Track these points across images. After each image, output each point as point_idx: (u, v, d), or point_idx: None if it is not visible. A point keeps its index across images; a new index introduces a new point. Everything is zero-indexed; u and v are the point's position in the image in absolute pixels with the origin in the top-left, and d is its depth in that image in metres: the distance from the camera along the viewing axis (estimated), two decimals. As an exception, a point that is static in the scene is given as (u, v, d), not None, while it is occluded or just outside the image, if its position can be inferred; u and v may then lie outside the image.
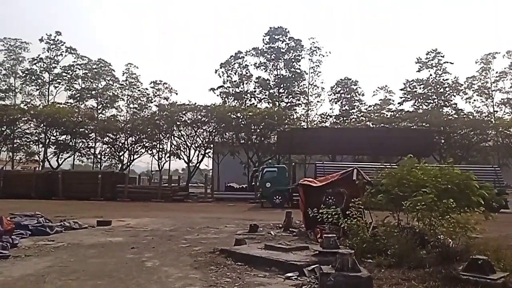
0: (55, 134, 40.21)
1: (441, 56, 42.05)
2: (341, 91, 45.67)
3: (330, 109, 47.09)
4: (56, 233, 11.27)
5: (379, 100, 46.36)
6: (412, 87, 42.62)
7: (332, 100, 45.92)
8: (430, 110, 40.22)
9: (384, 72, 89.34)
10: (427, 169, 8.18)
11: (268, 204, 25.45)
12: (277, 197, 25.35)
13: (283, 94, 44.11)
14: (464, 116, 38.69)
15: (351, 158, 34.96)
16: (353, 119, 43.38)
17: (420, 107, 42.24)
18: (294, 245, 8.51)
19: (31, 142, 40.38)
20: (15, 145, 40.16)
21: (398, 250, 6.97)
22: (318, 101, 45.47)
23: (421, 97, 42.23)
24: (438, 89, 41.96)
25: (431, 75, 42.42)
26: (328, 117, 45.01)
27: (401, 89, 43.01)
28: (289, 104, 44.05)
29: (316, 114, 45.63)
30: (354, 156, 35.04)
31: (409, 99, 42.70)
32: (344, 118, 43.98)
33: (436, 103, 42.01)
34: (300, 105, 45.08)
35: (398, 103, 43.59)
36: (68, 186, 30.58)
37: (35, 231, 10.86)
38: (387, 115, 41.80)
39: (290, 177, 28.39)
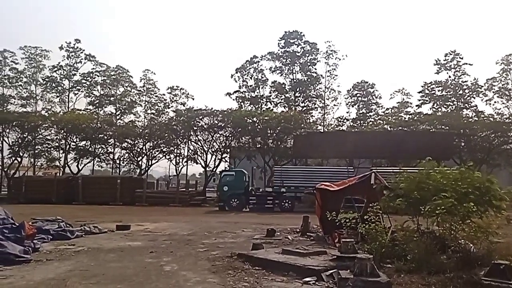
0: (75, 140, 40.93)
1: (460, 58, 41.32)
2: (358, 94, 45.24)
3: (347, 112, 46.61)
4: (77, 238, 11.46)
5: (397, 103, 45.73)
6: (430, 89, 41.95)
7: (349, 103, 45.50)
8: (449, 113, 39.51)
9: (401, 74, 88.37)
10: (447, 172, 8.05)
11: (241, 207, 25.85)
12: (234, 200, 26.03)
13: (299, 98, 43.99)
14: (485, 118, 37.88)
15: (369, 161, 34.61)
16: (370, 122, 42.90)
17: (439, 109, 41.52)
18: (312, 250, 8.47)
19: (52, 148, 41.12)
20: (36, 151, 40.93)
21: (418, 255, 6.87)
22: (334, 105, 45.17)
23: (440, 100, 41.51)
24: (457, 91, 41.22)
25: (449, 77, 41.73)
26: (345, 120, 44.63)
27: (419, 92, 42.40)
28: (305, 108, 43.89)
29: (333, 117, 45.31)
30: (372, 160, 34.68)
31: (427, 102, 42.06)
32: (361, 122, 43.55)
33: (456, 105, 41.26)
34: (316, 109, 44.87)
35: (416, 105, 42.93)
36: (88, 191, 31.09)
37: (56, 235, 11.06)
38: (405, 118, 41.17)
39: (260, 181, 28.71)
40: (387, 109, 45.00)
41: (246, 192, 26.39)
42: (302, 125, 37.47)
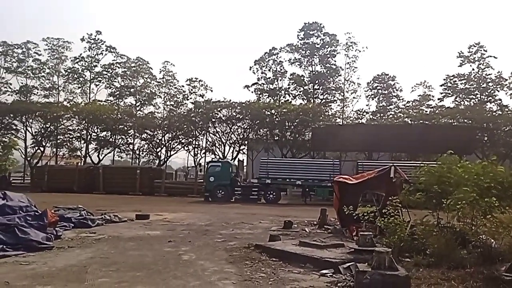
0: (96, 131, 41.63)
1: (484, 50, 40.25)
2: (378, 87, 44.67)
3: (367, 105, 46.04)
4: (97, 226, 11.71)
5: (418, 96, 44.92)
6: (453, 83, 41.08)
7: (369, 96, 45.00)
8: (472, 106, 38.67)
9: (423, 67, 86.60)
10: (469, 166, 7.90)
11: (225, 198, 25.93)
12: (220, 191, 26.16)
13: (318, 90, 43.67)
14: (509, 112, 36.95)
15: (388, 156, 34.25)
16: (391, 116, 42.36)
17: (462, 103, 40.68)
18: (329, 242, 8.46)
19: (74, 138, 41.88)
20: (58, 141, 41.78)
21: (438, 250, 6.79)
22: (354, 97, 44.75)
23: (463, 93, 40.63)
24: (481, 84, 40.22)
25: (473, 69, 40.75)
26: (365, 113, 44.17)
27: (441, 85, 41.57)
28: (324, 100, 43.58)
29: (352, 110, 44.92)
30: (392, 154, 34.29)
31: (450, 95, 41.22)
32: (381, 115, 43.04)
33: (479, 98, 40.33)
34: (335, 101, 44.51)
35: (438, 99, 42.13)
36: (108, 180, 31.62)
37: (77, 223, 11.31)
38: (426, 111, 40.48)
39: (241, 172, 28.81)
40: (408, 102, 44.35)
41: (232, 183, 26.57)
42: (321, 117, 37.25)
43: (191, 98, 46.94)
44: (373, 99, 44.97)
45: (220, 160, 29.80)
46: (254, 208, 20.46)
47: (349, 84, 44.38)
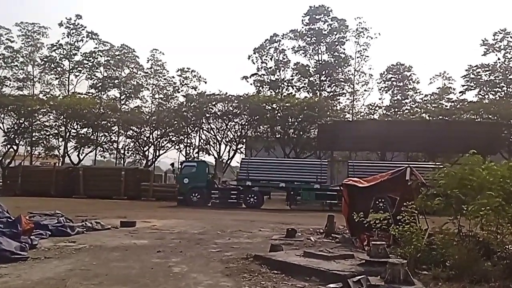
0: (75, 127, 41.76)
1: (511, 37, 40.36)
2: (393, 78, 44.79)
3: (380, 99, 46.35)
4: (77, 234, 11.68)
5: (437, 88, 45.01)
6: (476, 74, 41.15)
7: (382, 88, 45.15)
8: (497, 100, 38.72)
9: (442, 56, 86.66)
10: (494, 168, 7.91)
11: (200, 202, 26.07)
12: (195, 194, 26.31)
13: (325, 82, 43.77)
14: (540, 107, 37.03)
15: (404, 155, 34.31)
16: (406, 111, 42.45)
17: (486, 96, 40.77)
18: (337, 253, 8.46)
19: (51, 136, 41.97)
20: (33, 139, 41.81)
21: (459, 261, 6.80)
22: (365, 90, 44.96)
23: (487, 85, 40.70)
24: (508, 75, 40.29)
25: (499, 59, 40.85)
26: (377, 108, 44.30)
27: (463, 76, 41.65)
28: (331, 93, 43.68)
29: (363, 104, 45.11)
30: (407, 154, 34.36)
31: (472, 88, 41.29)
32: (396, 110, 43.13)
33: (505, 91, 40.39)
34: (344, 95, 44.68)
35: (460, 92, 42.24)
36: (89, 183, 31.63)
37: (55, 231, 11.29)
38: (446, 106, 40.59)
39: (217, 174, 28.81)
40: (426, 95, 44.46)
41: (209, 186, 26.72)
42: (328, 112, 37.33)
43: (182, 91, 47.20)
44: (386, 92, 45.17)
45: (195, 159, 29.88)
46: (253, 215, 20.48)
47: (359, 75, 44.61)
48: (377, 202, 12.20)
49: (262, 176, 26.56)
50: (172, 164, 31.76)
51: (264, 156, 34.66)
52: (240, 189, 26.55)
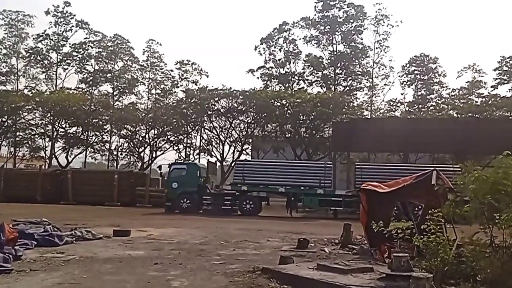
0: (63, 126, 42.01)
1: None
2: (416, 71, 44.62)
3: (401, 94, 46.15)
4: (66, 244, 11.75)
5: (466, 82, 44.81)
6: (510, 66, 40.93)
7: (404, 82, 44.99)
8: (534, 95, 38.54)
9: (472, 46, 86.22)
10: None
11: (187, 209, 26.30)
12: (185, 200, 26.46)
13: (340, 75, 43.69)
14: None
15: (429, 157, 34.18)
16: (432, 107, 42.29)
17: (521, 91, 40.55)
18: (355, 266, 8.45)
19: (36, 135, 42.28)
20: (17, 139, 42.10)
21: (491, 276, 6.77)
22: (385, 84, 44.80)
23: (523, 79, 40.51)
24: (547, 67, 40.09)
25: (536, 49, 40.59)
26: (399, 104, 44.23)
27: (495, 69, 41.44)
28: (348, 88, 43.60)
29: (383, 100, 45.05)
30: (433, 155, 34.23)
31: (506, 81, 41.07)
32: (420, 106, 42.99)
33: (543, 86, 40.18)
34: (362, 89, 44.58)
35: (492, 86, 42.03)
36: (79, 188, 31.80)
37: (41, 241, 11.36)
38: (476, 101, 40.38)
39: (210, 177, 29.07)
40: (454, 90, 44.24)
41: (200, 191, 26.84)
42: (344, 109, 37.27)
43: (181, 86, 47.33)
44: (409, 87, 44.99)
45: (185, 162, 30.00)
46: (260, 223, 20.52)
47: (379, 68, 44.46)
48: (399, 209, 12.13)
49: (259, 180, 26.77)
50: (160, 167, 31.79)
51: (273, 158, 34.66)
52: (235, 195, 26.66)
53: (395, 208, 12.27)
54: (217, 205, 26.34)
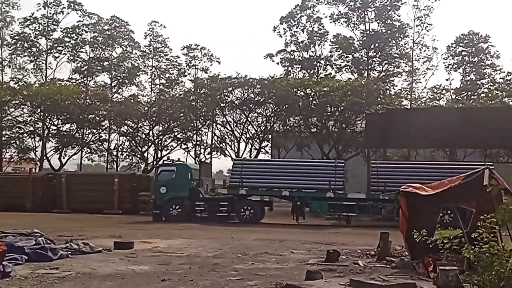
0: (56, 123, 42.41)
1: None
2: (464, 53, 44.11)
3: (447, 79, 45.60)
4: (61, 258, 11.87)
5: (524, 64, 44.28)
6: None
7: (450, 66, 44.52)
8: None
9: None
10: None
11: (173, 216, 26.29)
12: (175, 207, 26.49)
13: (374, 59, 43.37)
14: None
15: (479, 154, 33.79)
16: (483, 94, 41.76)
17: None
18: (394, 282, 8.41)
19: (25, 134, 42.65)
20: (3, 139, 42.47)
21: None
22: (427, 68, 44.32)
23: None
24: None
25: None
26: (444, 91, 43.73)
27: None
28: (383, 73, 43.25)
29: (425, 87, 44.57)
30: (484, 151, 33.84)
31: None
32: (469, 93, 42.53)
33: None
34: (400, 75, 44.17)
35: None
36: (74, 194, 32.12)
37: (33, 255, 11.49)
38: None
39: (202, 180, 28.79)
40: (509, 74, 43.60)
41: (192, 196, 26.86)
42: (379, 98, 36.95)
43: (189, 74, 47.35)
44: (456, 71, 44.51)
45: (174, 162, 29.94)
46: (282, 232, 20.53)
47: (420, 49, 44.01)
48: (445, 215, 12.04)
49: (260, 183, 26.83)
50: (151, 168, 31.84)
51: (296, 157, 34.55)
52: (233, 199, 26.73)
53: (441, 214, 12.17)
54: (212, 211, 26.55)
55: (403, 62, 43.83)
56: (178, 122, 40.72)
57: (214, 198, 27.98)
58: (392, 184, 22.32)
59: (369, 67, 43.04)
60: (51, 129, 42.49)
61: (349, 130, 36.81)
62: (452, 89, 43.86)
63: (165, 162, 32.51)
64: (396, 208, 23.37)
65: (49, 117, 41.92)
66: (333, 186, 25.56)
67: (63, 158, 42.52)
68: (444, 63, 44.63)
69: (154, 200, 27.79)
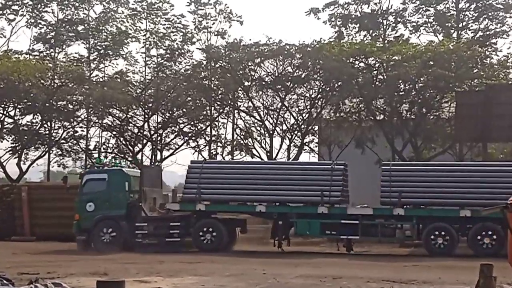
0: (11, 114, 42.79)
1: None
2: None
3: None
4: (23, 306, 12.08)
5: None
6: None
7: None
8: None
9: None
10: None
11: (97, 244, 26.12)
12: (107, 231, 26.12)
13: (466, 13, 43.04)
14: None
15: None
16: None
17: None
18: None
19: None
20: None
21: None
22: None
23: None
24: None
25: None
26: None
27: None
28: (481, 34, 42.88)
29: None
30: None
31: None
32: None
33: None
34: (506, 35, 43.66)
35: None
36: (40, 213, 32.42)
37: (-16, 301, 11.73)
38: None
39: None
40: None
41: (131, 214, 26.59)
42: (476, 70, 36.62)
43: (199, 41, 46.97)
44: None
45: (105, 168, 29.55)
46: (335, 265, 20.41)
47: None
48: None
49: (226, 194, 26.70)
50: (65, 179, 31.54)
51: (356, 155, 34.43)
52: (188, 218, 26.56)
53: None
54: (159, 235, 26.30)
55: (511, 17, 43.47)
56: (184, 110, 40.75)
57: (161, 218, 27.54)
58: (411, 194, 22.54)
59: (459, 27, 42.75)
60: (5, 123, 42.98)
61: (432, 117, 36.55)
62: None
63: (93, 166, 32.73)
64: (416, 227, 23.47)
65: (1, 106, 42.22)
66: (327, 198, 25.05)
67: (24, 163, 42.89)
68: None
69: (77, 221, 27.24)
